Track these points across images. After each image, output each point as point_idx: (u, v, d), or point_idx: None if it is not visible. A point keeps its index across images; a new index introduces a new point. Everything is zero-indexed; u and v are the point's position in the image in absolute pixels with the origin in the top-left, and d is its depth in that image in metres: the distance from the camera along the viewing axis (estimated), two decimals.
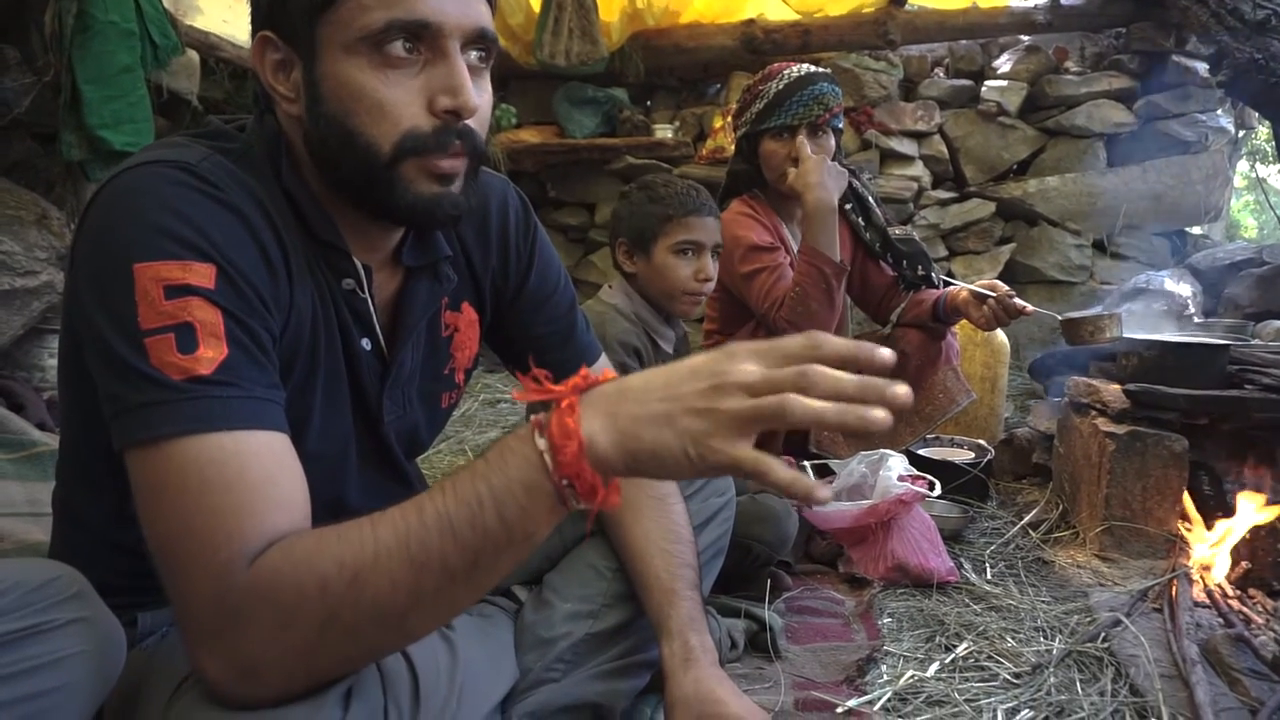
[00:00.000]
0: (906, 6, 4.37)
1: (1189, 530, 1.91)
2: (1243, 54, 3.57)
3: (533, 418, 0.75)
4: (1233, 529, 1.76)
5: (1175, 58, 4.18)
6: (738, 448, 0.69)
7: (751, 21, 4.42)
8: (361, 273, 0.95)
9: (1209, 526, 1.87)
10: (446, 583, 0.73)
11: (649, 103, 4.79)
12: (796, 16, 4.49)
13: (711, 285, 1.84)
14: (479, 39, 0.87)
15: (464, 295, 1.10)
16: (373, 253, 0.97)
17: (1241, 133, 5.41)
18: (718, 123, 4.30)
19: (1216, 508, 1.92)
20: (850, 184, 2.28)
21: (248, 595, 0.71)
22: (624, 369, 1.64)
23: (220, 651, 0.72)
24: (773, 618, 1.52)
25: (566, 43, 4.08)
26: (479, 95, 0.87)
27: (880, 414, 0.67)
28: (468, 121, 0.87)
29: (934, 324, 2.26)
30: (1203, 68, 4.09)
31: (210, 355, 0.75)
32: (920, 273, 2.31)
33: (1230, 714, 1.25)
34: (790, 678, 1.39)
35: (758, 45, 4.39)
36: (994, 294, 2.10)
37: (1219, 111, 4.33)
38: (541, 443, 0.72)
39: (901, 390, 0.68)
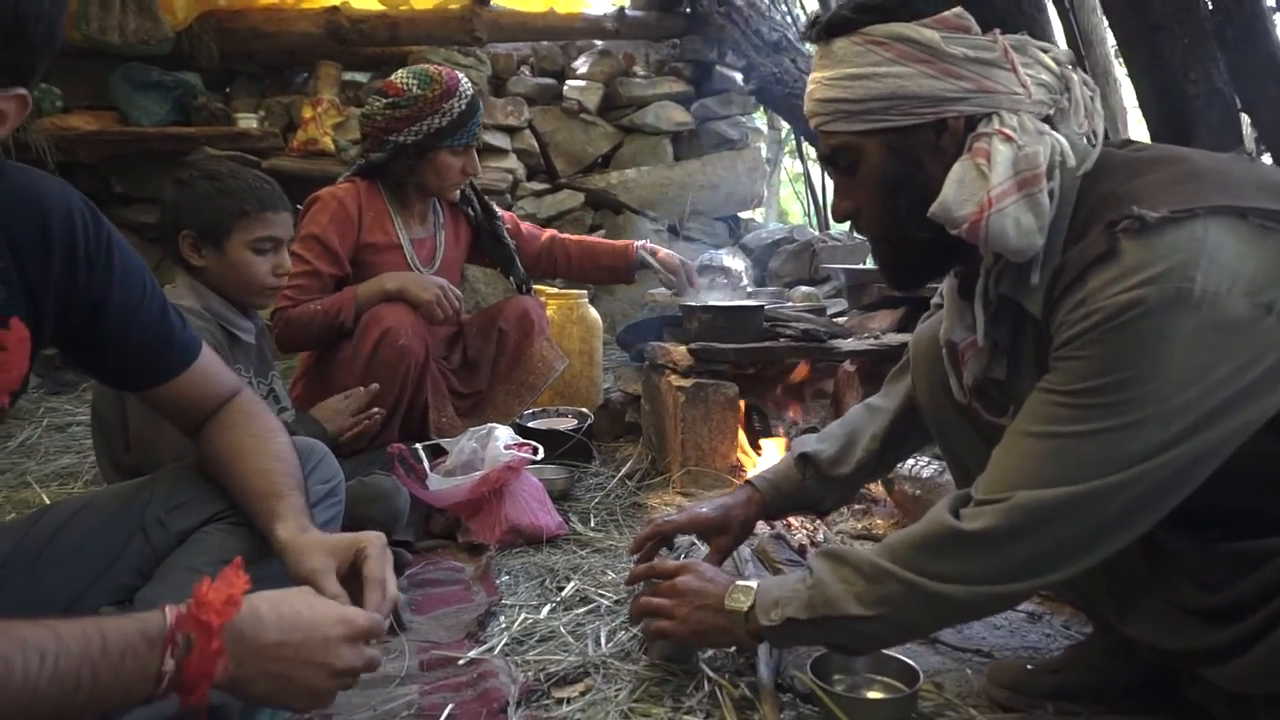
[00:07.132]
0: (491, 5, 4.57)
1: (747, 460, 2.30)
2: (765, 68, 4.30)
3: (170, 625, 0.78)
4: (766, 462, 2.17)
5: (719, 68, 4.89)
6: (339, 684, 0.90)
7: (336, 9, 4.31)
8: None
9: (759, 455, 2.27)
10: None
11: (229, 90, 4.45)
12: (382, 8, 4.47)
13: (287, 278, 1.80)
14: None
15: (14, 310, 0.98)
16: None
17: (785, 131, 6.44)
18: (308, 113, 4.13)
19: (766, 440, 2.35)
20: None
21: None
22: None
23: None
24: None
25: (120, 17, 3.65)
26: None
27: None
28: None
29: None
30: (739, 77, 4.83)
31: None
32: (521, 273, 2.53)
33: None
34: (415, 644, 1.45)
35: (344, 35, 4.29)
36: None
37: (755, 114, 5.14)
38: (170, 664, 0.76)
39: None
